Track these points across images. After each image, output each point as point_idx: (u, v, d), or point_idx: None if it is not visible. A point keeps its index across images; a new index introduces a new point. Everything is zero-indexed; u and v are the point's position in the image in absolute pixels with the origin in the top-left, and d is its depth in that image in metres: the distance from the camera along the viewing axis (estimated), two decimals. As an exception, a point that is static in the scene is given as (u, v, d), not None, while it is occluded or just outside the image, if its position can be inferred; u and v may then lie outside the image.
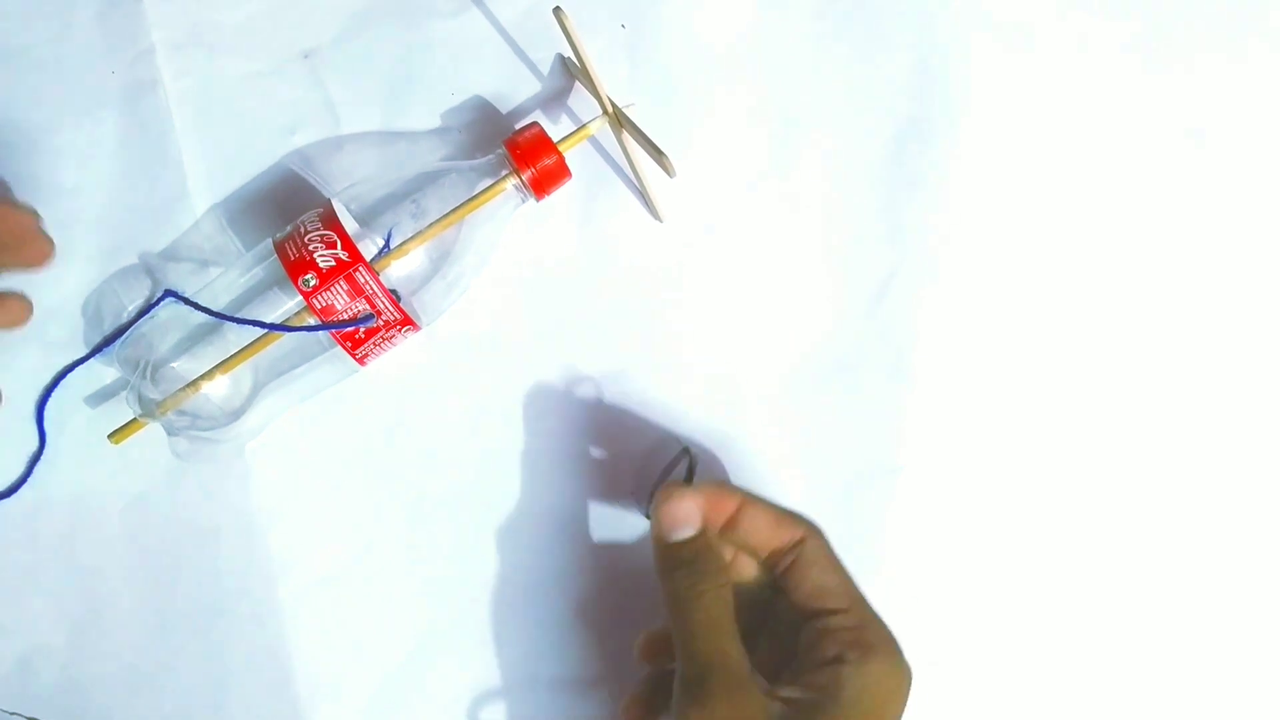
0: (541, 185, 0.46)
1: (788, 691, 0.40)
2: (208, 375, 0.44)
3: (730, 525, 0.43)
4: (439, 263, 0.46)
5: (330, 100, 0.50)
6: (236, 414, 0.46)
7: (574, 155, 0.47)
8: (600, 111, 0.47)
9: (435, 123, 0.50)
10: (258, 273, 0.46)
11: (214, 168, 0.49)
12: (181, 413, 0.45)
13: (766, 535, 0.42)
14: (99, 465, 0.49)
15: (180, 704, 0.49)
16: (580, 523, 0.50)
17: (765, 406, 0.51)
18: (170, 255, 0.49)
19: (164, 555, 0.49)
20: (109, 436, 0.47)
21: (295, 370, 0.46)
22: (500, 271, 0.50)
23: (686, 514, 0.42)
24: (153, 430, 0.46)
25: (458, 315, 0.49)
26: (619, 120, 0.47)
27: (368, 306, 0.44)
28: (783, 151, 0.51)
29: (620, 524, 0.50)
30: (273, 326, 0.44)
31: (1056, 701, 0.51)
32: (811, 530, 0.42)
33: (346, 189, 0.47)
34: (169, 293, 0.46)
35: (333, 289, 0.44)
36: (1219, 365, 0.51)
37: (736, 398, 0.51)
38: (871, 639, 0.41)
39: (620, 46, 0.50)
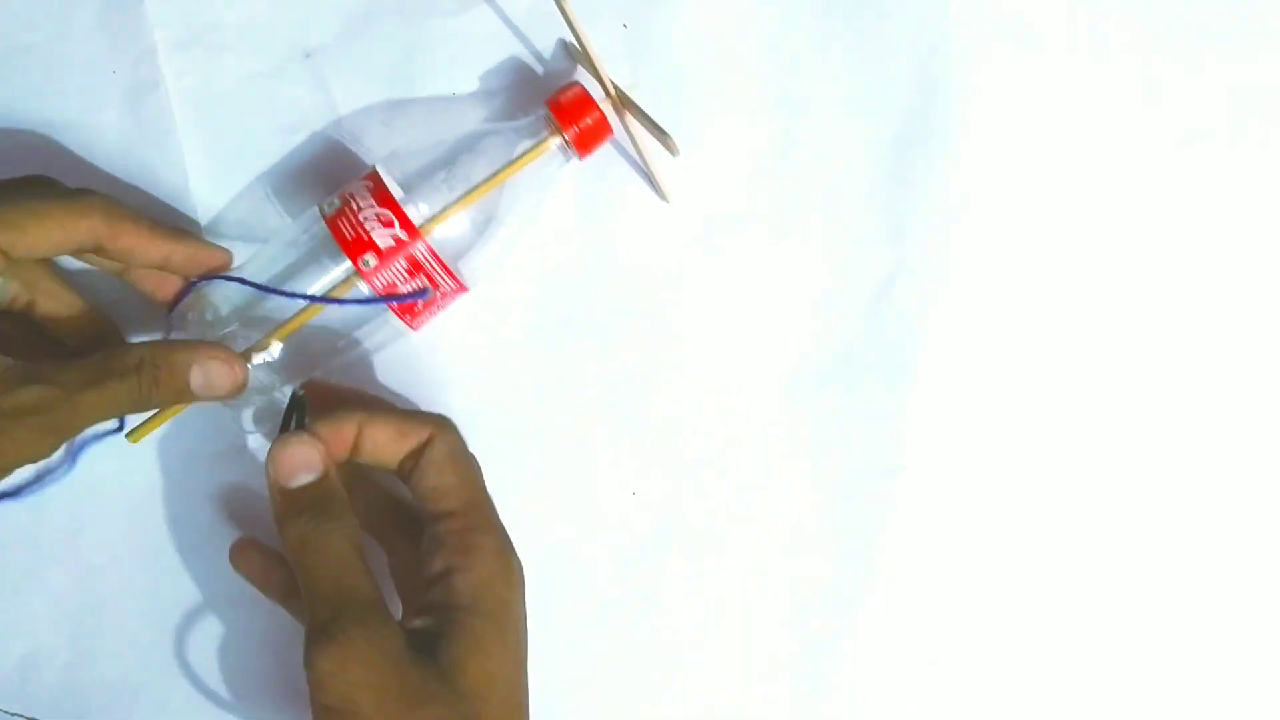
0: (585, 143, 0.46)
1: (416, 621, 0.40)
2: (261, 344, 0.44)
3: (355, 448, 0.42)
4: (483, 226, 0.46)
5: (333, 100, 0.50)
6: (295, 378, 0.46)
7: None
8: (603, 95, 0.48)
9: (471, 88, 0.50)
10: (305, 241, 0.46)
11: (216, 167, 0.49)
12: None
13: (393, 446, 0.42)
14: (100, 465, 0.49)
15: (182, 705, 0.49)
16: (580, 522, 0.50)
17: (765, 406, 0.51)
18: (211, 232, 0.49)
19: (166, 555, 0.49)
20: (126, 435, 0.46)
21: (341, 338, 0.47)
22: (500, 275, 0.50)
23: (304, 459, 0.40)
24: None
25: (457, 315, 0.49)
26: (622, 103, 0.48)
27: (427, 281, 0.45)
28: (784, 150, 0.51)
29: (619, 521, 0.51)
30: (340, 301, 0.44)
31: (1056, 701, 0.51)
32: (440, 429, 0.42)
33: (388, 156, 0.47)
34: (211, 276, 0.45)
35: (393, 267, 0.44)
36: (1222, 364, 0.51)
37: (737, 398, 0.51)
38: (477, 541, 0.41)
39: (622, 46, 0.50)
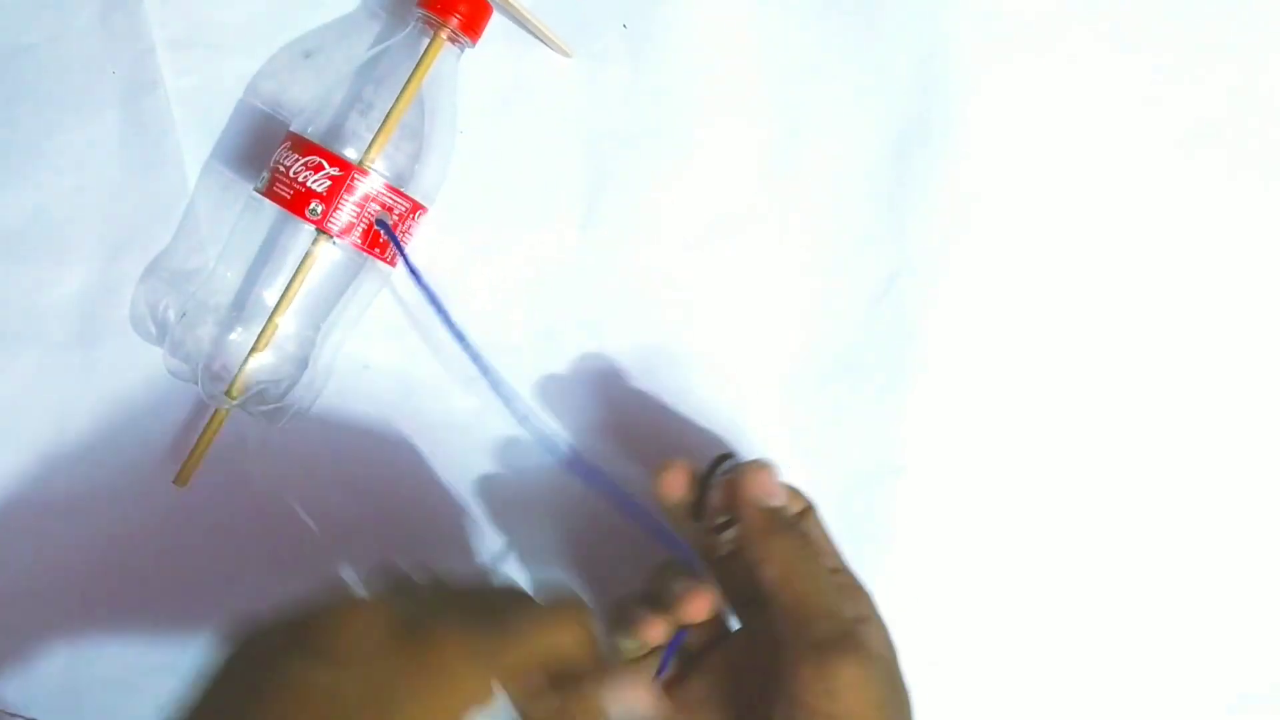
0: (471, 26, 0.46)
1: None
2: (258, 343, 0.45)
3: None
4: (415, 142, 0.47)
5: (331, 99, 0.49)
6: (303, 362, 0.47)
7: (553, 146, 0.47)
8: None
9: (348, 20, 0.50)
10: (259, 225, 0.47)
11: (215, 167, 0.49)
12: (253, 386, 0.46)
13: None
14: (99, 465, 0.49)
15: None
16: (583, 522, 0.51)
17: (766, 406, 0.51)
18: (174, 259, 0.49)
19: (166, 554, 0.49)
20: (173, 481, 0.48)
21: (337, 298, 0.47)
22: (500, 276, 0.50)
23: (775, 485, 0.42)
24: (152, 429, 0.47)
25: (458, 320, 0.49)
26: None
27: (378, 208, 0.45)
28: (785, 150, 0.51)
29: (619, 528, 0.51)
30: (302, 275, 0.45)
31: (1056, 701, 0.51)
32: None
33: (299, 116, 0.47)
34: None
35: (340, 206, 0.45)
36: (1223, 364, 0.51)
37: (737, 398, 0.51)
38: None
39: (622, 46, 0.50)
